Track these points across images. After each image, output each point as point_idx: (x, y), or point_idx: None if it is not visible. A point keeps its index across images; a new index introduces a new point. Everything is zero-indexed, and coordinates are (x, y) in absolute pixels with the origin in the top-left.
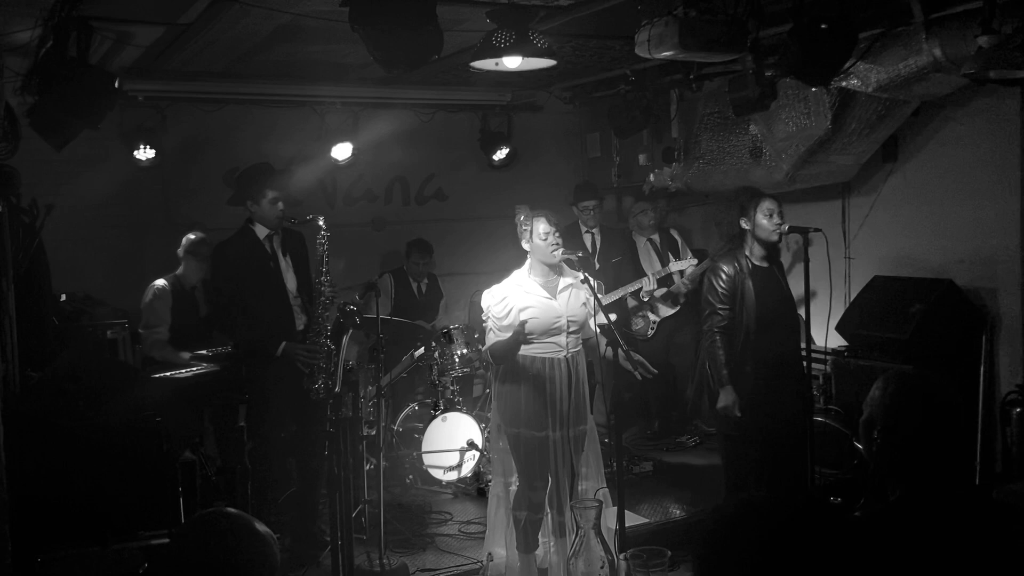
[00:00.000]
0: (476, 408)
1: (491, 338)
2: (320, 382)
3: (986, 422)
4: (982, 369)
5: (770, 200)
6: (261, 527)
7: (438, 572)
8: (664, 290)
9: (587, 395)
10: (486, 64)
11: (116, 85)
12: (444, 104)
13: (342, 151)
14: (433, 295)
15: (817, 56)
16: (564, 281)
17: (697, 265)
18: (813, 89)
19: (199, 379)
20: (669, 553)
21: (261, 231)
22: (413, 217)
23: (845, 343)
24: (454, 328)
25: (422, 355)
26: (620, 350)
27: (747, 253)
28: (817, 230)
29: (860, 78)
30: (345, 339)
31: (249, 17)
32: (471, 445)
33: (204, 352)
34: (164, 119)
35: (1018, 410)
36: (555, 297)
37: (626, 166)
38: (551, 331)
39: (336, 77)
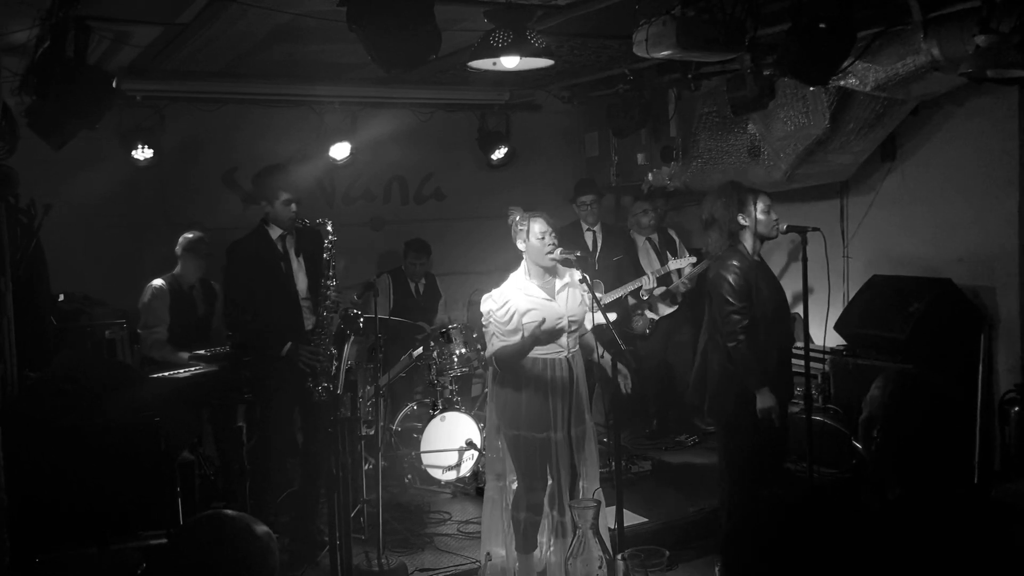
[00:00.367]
0: (475, 408)
1: (495, 343)
2: (321, 384)
3: (984, 421)
4: (980, 368)
5: (765, 196)
6: (260, 527)
7: (437, 572)
8: (663, 289)
9: (586, 395)
10: (484, 64)
11: (114, 85)
12: (442, 103)
13: (340, 151)
14: (431, 295)
15: (815, 55)
16: (560, 281)
17: (696, 264)
18: (811, 88)
19: (197, 379)
20: (667, 553)
21: (275, 231)
22: (411, 217)
23: (843, 342)
24: (452, 328)
25: (420, 355)
26: (617, 354)
27: (748, 249)
28: (815, 229)
29: (858, 77)
30: (347, 345)
31: (247, 17)
32: (470, 445)
33: (203, 352)
34: (162, 119)
35: (1016, 409)
36: (554, 298)
37: (624, 165)
38: (553, 332)
39: (334, 77)
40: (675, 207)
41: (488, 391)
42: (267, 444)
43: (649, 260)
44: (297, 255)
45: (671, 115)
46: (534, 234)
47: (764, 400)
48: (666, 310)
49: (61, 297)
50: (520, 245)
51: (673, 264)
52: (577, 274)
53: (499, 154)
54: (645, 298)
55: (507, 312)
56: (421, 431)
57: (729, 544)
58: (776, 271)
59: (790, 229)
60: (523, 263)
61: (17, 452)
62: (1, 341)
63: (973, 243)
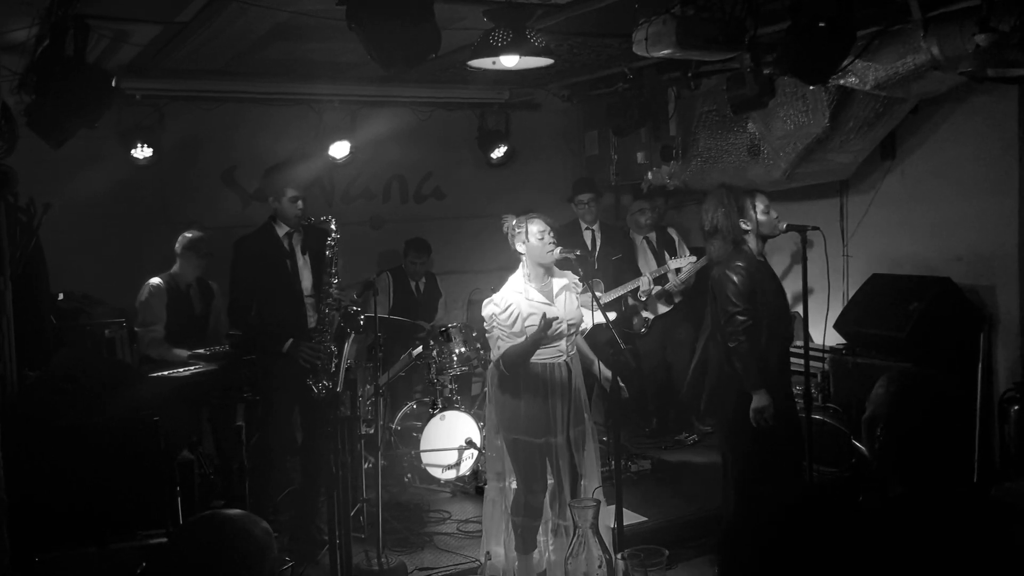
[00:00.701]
0: (474, 407)
1: (501, 346)
2: (321, 382)
3: (984, 420)
4: (980, 367)
5: (761, 195)
6: (259, 526)
7: (436, 571)
8: (658, 288)
9: (585, 396)
10: (483, 63)
11: (113, 84)
12: (442, 102)
13: (340, 149)
14: (431, 294)
15: (815, 54)
16: (558, 284)
17: (694, 263)
18: (811, 87)
19: (197, 378)
20: (667, 552)
21: (281, 228)
22: (411, 215)
23: (843, 341)
24: (452, 327)
25: (420, 354)
26: (608, 353)
27: (752, 250)
28: (815, 228)
29: (858, 76)
30: (347, 343)
31: (246, 15)
32: (469, 443)
33: (202, 351)
34: (162, 117)
35: (1016, 408)
36: (553, 302)
37: (624, 164)
38: (553, 336)
39: (334, 75)
40: (675, 206)
41: (487, 392)
42: (267, 442)
43: (646, 260)
44: (303, 253)
45: (671, 114)
46: (533, 235)
47: (759, 400)
48: (662, 309)
49: (60, 296)
50: (520, 247)
51: (672, 264)
52: (575, 277)
53: (499, 153)
54: (643, 299)
55: (511, 315)
56: (421, 430)
57: (726, 543)
58: (777, 270)
59: (790, 228)
60: (521, 266)
61: (17, 451)
62: (1, 340)
63: (973, 242)
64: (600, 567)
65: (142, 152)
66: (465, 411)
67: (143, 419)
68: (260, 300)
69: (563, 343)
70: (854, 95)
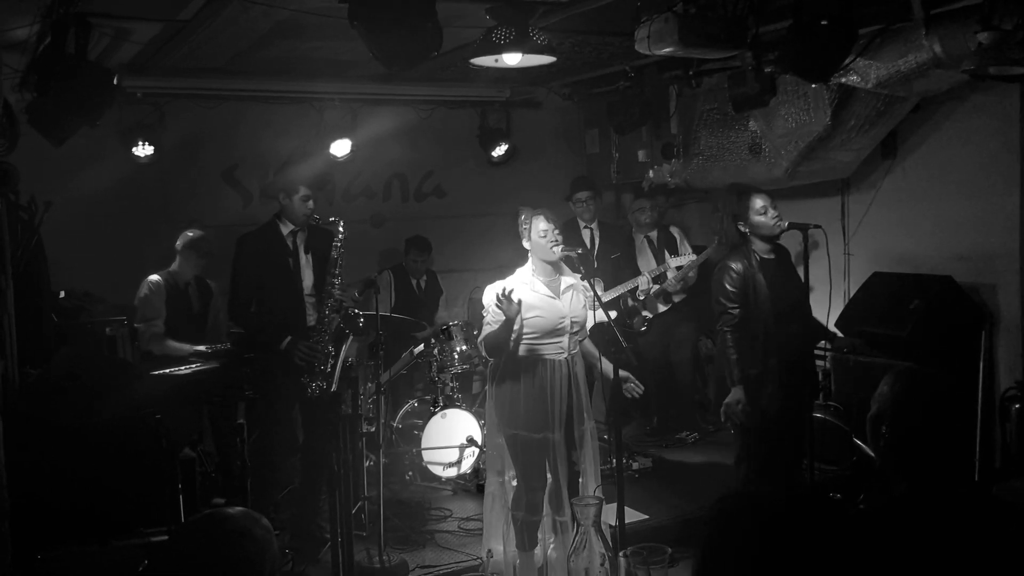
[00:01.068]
0: (475, 405)
1: (486, 331)
2: (316, 381)
3: (985, 418)
4: (981, 365)
5: (759, 197)
6: (260, 524)
7: (438, 568)
8: (657, 287)
9: (586, 395)
10: (486, 61)
11: (114, 82)
12: (443, 100)
13: (341, 147)
14: (432, 292)
15: (817, 52)
16: (566, 281)
17: (692, 262)
18: (813, 85)
19: (198, 376)
20: (669, 550)
21: (286, 227)
22: (412, 214)
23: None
24: (453, 325)
25: (421, 352)
26: (612, 360)
27: (753, 249)
28: (817, 226)
29: (860, 74)
30: (345, 345)
31: (248, 13)
32: (470, 441)
33: (203, 349)
34: (163, 116)
35: (1017, 406)
36: (559, 297)
37: (625, 162)
38: (555, 331)
39: (335, 73)
40: (675, 204)
41: (487, 388)
42: (267, 441)
43: (646, 259)
44: (306, 252)
45: (672, 112)
46: (537, 231)
47: (733, 395)
48: (661, 308)
49: (62, 294)
50: (525, 243)
51: (671, 262)
52: (580, 273)
53: (500, 151)
54: (641, 298)
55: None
56: (422, 428)
57: (704, 539)
58: None
59: (791, 226)
60: (530, 260)
61: (18, 449)
62: (2, 338)
63: (974, 240)
64: (602, 564)
65: (143, 150)
66: (466, 409)
67: (144, 417)
68: (260, 297)
69: (565, 340)
70: (856, 93)
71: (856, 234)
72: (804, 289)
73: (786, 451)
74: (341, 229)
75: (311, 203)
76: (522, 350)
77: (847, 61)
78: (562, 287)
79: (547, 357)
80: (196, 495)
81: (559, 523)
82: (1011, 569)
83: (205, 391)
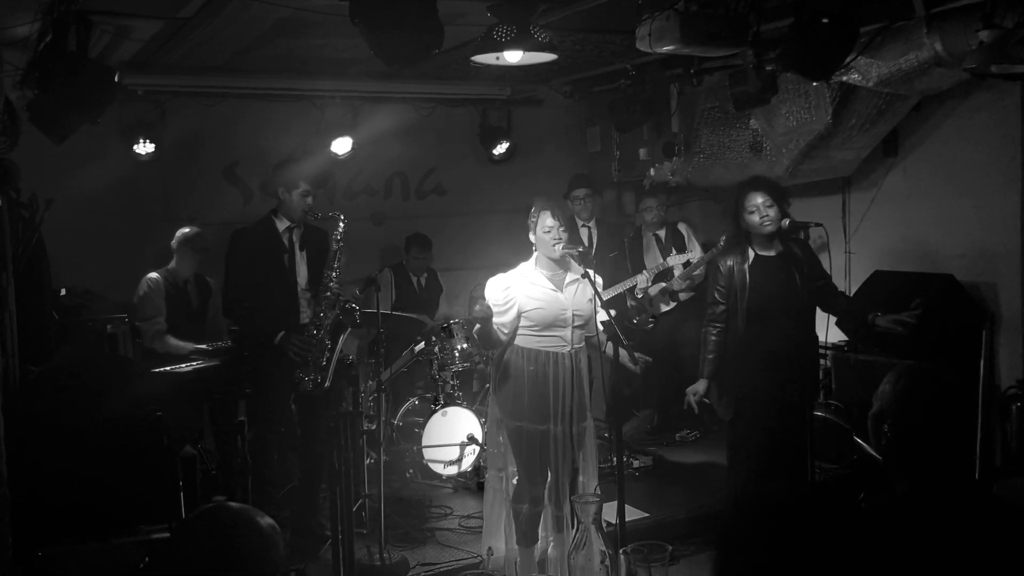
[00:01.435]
0: (476, 403)
1: (477, 324)
2: (309, 375)
3: (986, 417)
4: (982, 364)
5: (755, 194)
6: (264, 521)
7: (438, 566)
8: (662, 285)
9: (588, 391)
10: (487, 58)
11: (115, 79)
12: (444, 98)
13: (342, 145)
14: (433, 289)
15: (818, 50)
16: (571, 275)
17: (697, 260)
18: (814, 84)
19: (199, 374)
20: (670, 548)
21: (282, 223)
22: (413, 212)
23: (845, 338)
24: (454, 323)
25: (422, 350)
26: (620, 347)
27: (757, 247)
28: (818, 225)
29: (861, 73)
30: (342, 338)
31: (249, 11)
32: (471, 439)
33: (204, 347)
34: (163, 113)
35: (1018, 405)
36: (562, 290)
37: (626, 160)
38: (556, 324)
39: (336, 71)
40: (676, 203)
41: (490, 384)
42: (264, 438)
43: (653, 256)
44: (301, 249)
45: (673, 110)
46: (542, 227)
47: (696, 384)
48: (664, 308)
49: (63, 292)
50: (531, 236)
51: (672, 260)
52: (581, 270)
53: (501, 149)
54: (639, 296)
55: (505, 296)
56: (422, 426)
57: (725, 537)
58: None
59: (792, 225)
60: (535, 254)
61: (19, 446)
62: (3, 336)
63: (975, 239)
64: (602, 562)
65: (144, 148)
66: (467, 407)
67: (145, 415)
68: (254, 292)
69: (567, 333)
70: (857, 92)
71: (857, 232)
72: (797, 291)
73: (784, 450)
74: (342, 223)
75: (310, 199)
76: (524, 342)
77: (848, 59)
78: (566, 281)
79: (549, 350)
80: (197, 493)
81: (558, 519)
82: (1012, 568)
83: (206, 389)
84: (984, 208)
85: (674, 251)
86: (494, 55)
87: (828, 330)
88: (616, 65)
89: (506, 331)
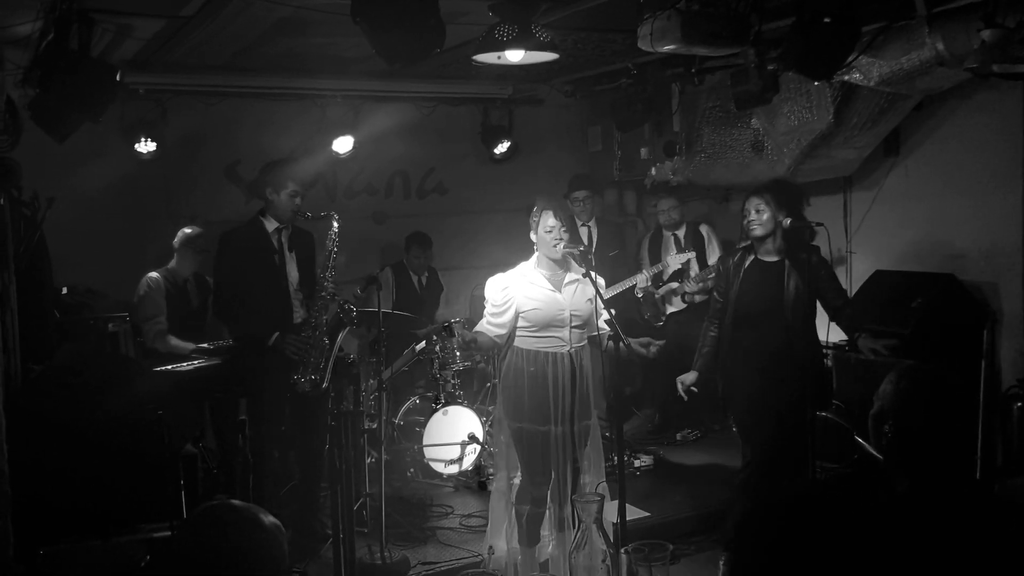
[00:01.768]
0: (477, 401)
1: (481, 324)
2: (307, 376)
3: (987, 416)
4: (983, 363)
5: (752, 197)
6: (267, 519)
7: (439, 565)
8: (674, 285)
9: (591, 391)
10: (488, 57)
11: (117, 78)
12: (445, 97)
13: (343, 144)
14: (433, 288)
15: (819, 50)
16: (571, 275)
17: (714, 263)
18: (815, 83)
19: (200, 372)
20: (671, 547)
21: (271, 224)
22: (414, 211)
23: (846, 337)
24: (455, 322)
25: (423, 349)
26: (622, 344)
27: (760, 248)
28: (819, 224)
29: (862, 72)
30: (340, 336)
31: (250, 10)
32: (472, 438)
33: (206, 345)
34: (165, 112)
35: (1019, 404)
36: (560, 291)
37: (627, 160)
38: (553, 324)
39: (337, 70)
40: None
41: (496, 383)
42: (260, 437)
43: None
44: (290, 250)
45: (675, 110)
46: (543, 227)
47: (686, 375)
48: (671, 308)
49: (64, 290)
50: (532, 235)
51: (670, 260)
52: (583, 270)
53: (502, 148)
54: (639, 296)
55: (504, 297)
56: (423, 425)
57: (738, 535)
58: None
59: (793, 225)
60: (535, 253)
61: (20, 445)
62: (5, 334)
63: (976, 238)
64: (604, 561)
65: (145, 147)
66: (468, 406)
67: (146, 413)
68: (247, 294)
69: (565, 333)
70: (858, 91)
71: (858, 232)
72: (784, 300)
73: (780, 453)
74: (336, 223)
75: (298, 200)
76: (523, 343)
77: (850, 59)
78: (565, 281)
79: (548, 350)
80: (198, 492)
81: (560, 518)
82: (1012, 567)
83: (207, 387)
84: (985, 207)
85: (674, 251)
86: (495, 54)
87: (829, 330)
88: (617, 64)
89: (504, 331)
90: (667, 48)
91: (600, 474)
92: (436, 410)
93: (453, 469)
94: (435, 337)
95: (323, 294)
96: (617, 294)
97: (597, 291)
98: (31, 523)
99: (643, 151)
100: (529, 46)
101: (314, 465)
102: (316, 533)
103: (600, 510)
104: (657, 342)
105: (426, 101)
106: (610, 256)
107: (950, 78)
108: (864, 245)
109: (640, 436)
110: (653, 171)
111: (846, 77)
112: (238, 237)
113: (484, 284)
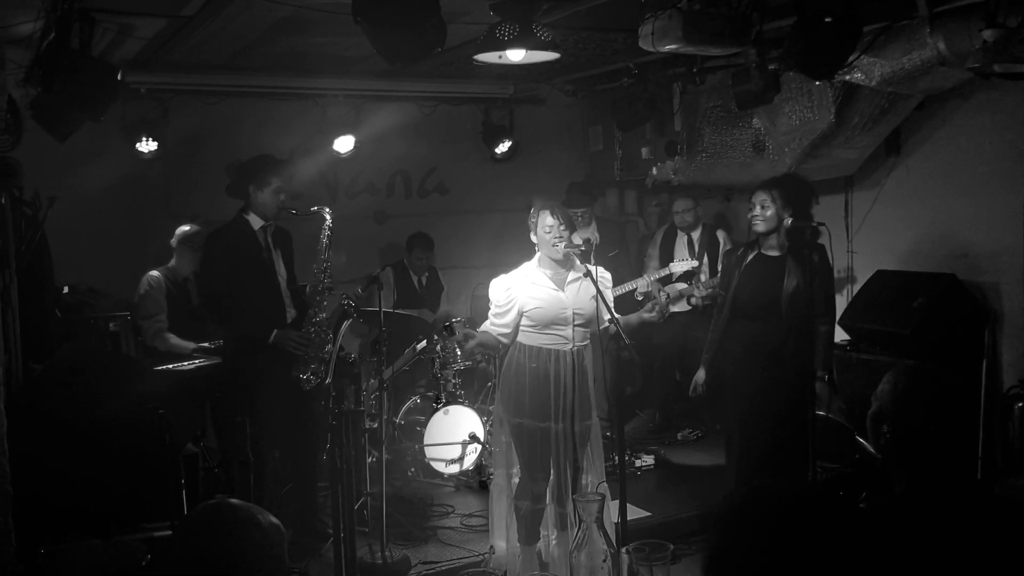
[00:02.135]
0: (478, 401)
1: (486, 325)
2: (310, 372)
3: (988, 417)
4: (984, 363)
5: (758, 192)
6: (267, 519)
7: (440, 564)
8: (683, 286)
9: (592, 390)
10: (489, 57)
11: (118, 77)
12: (446, 97)
13: (344, 144)
14: (434, 288)
15: (821, 49)
16: (574, 274)
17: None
18: (817, 83)
19: (201, 371)
20: (671, 547)
21: (256, 222)
22: (415, 210)
23: (847, 337)
24: (456, 321)
25: (424, 348)
26: (613, 356)
27: (762, 245)
28: (820, 224)
29: (864, 72)
30: (342, 328)
31: (251, 10)
32: (473, 438)
33: (207, 344)
34: (166, 111)
35: (1020, 404)
36: (563, 289)
37: (628, 159)
38: (556, 322)
39: (338, 70)
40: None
41: (496, 380)
42: (263, 436)
43: (680, 257)
44: (275, 247)
45: (676, 109)
46: (543, 227)
47: (697, 374)
48: (674, 308)
49: (65, 289)
50: (532, 236)
51: (673, 267)
52: (584, 268)
53: (503, 148)
54: (639, 299)
55: (507, 297)
56: (424, 424)
57: (718, 535)
58: (779, 267)
59: (794, 224)
60: (538, 253)
61: (22, 444)
62: (6, 333)
63: (978, 238)
64: (604, 561)
65: (146, 146)
66: (469, 405)
67: (148, 412)
68: (239, 294)
69: (568, 331)
70: (860, 91)
71: (859, 231)
72: (781, 296)
73: (776, 451)
74: (328, 216)
75: (283, 196)
76: (527, 339)
77: (851, 58)
78: (568, 279)
79: (551, 347)
80: (199, 490)
81: (560, 516)
82: (1013, 567)
83: (208, 387)
84: (987, 207)
85: (706, 255)
86: (497, 54)
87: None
88: (618, 64)
89: (508, 331)
90: (668, 48)
91: (601, 474)
92: (437, 409)
93: (454, 469)
94: (436, 336)
95: (320, 288)
96: (616, 298)
97: (598, 289)
98: (32, 522)
99: (644, 151)
100: (530, 45)
101: (309, 464)
102: (317, 532)
103: (601, 510)
104: (656, 303)
105: (427, 100)
106: (610, 256)
107: (951, 78)
108: (865, 245)
109: (641, 436)
110: (654, 171)
111: (847, 77)
112: (225, 236)
113: (485, 284)
